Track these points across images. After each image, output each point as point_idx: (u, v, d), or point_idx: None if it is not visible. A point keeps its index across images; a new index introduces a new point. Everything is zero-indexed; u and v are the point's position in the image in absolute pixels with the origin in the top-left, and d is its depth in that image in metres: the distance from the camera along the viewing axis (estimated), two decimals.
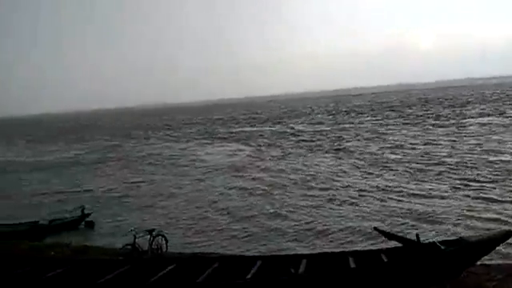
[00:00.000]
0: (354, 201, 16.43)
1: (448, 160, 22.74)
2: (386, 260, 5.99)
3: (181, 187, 21.99)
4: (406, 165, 22.42)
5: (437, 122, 43.36)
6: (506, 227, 11.21)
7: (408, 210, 14.69)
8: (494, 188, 16.42)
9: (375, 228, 6.84)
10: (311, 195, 17.91)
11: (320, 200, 16.99)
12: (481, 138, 29.66)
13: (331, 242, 12.42)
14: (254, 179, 22.44)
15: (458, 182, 17.90)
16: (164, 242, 10.33)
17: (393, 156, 25.69)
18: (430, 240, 6.64)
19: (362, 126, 46.66)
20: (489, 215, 13.46)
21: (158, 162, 32.04)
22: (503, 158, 21.77)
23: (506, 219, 12.87)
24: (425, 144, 29.22)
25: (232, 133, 51.66)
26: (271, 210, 16.13)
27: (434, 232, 12.15)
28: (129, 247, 9.78)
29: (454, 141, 29.41)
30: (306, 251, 10.84)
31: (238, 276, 6.03)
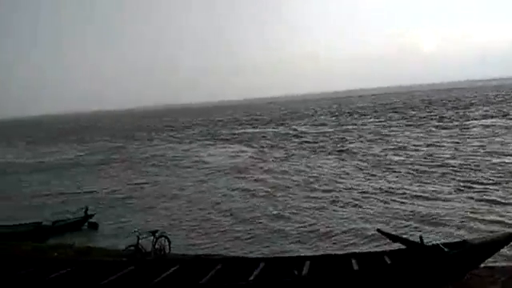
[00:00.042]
0: (357, 203, 16.40)
1: (451, 162, 22.67)
2: (389, 262, 5.98)
3: (184, 188, 22.01)
4: (410, 166, 22.37)
5: (440, 123, 43.26)
6: (510, 230, 11.18)
7: (411, 212, 14.64)
8: (498, 190, 16.36)
9: (378, 230, 6.83)
10: (314, 197, 17.89)
11: (323, 202, 16.97)
12: (484, 139, 29.55)
13: (334, 243, 12.40)
14: (256, 181, 22.44)
15: (461, 184, 17.84)
16: (167, 243, 10.35)
17: (396, 158, 25.65)
18: (434, 242, 6.63)
19: (364, 127, 46.60)
20: (492, 217, 13.40)
21: (161, 164, 32.08)
22: (506, 160, 21.67)
23: (509, 222, 12.80)
24: (428, 146, 29.15)
25: (234, 134, 51.69)
26: (274, 212, 16.11)
27: (437, 234, 12.11)
28: (132, 248, 9.81)
29: (458, 142, 29.32)
30: (309, 253, 10.83)
31: (240, 278, 6.04)
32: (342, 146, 32.47)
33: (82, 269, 6.80)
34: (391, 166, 22.97)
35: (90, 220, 16.35)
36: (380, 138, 35.41)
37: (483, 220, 13.21)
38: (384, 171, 21.91)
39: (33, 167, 35.30)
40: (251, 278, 5.86)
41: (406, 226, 13.18)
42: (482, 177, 18.68)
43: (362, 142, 34.53)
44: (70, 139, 64.73)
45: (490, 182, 17.70)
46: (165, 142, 48.89)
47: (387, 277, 5.62)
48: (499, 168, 20.04)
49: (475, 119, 44.09)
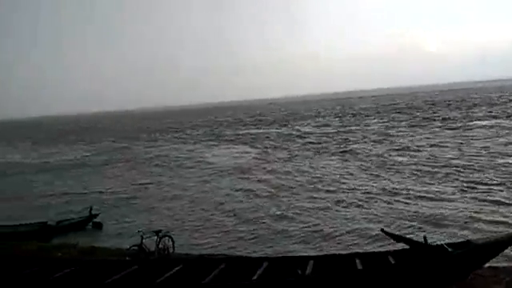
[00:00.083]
0: (360, 203, 16.38)
1: (455, 162, 22.61)
2: (393, 262, 5.97)
3: (187, 189, 22.05)
4: (413, 167, 22.32)
5: (443, 124, 43.17)
6: None
7: (415, 212, 14.62)
8: (502, 191, 16.30)
9: (382, 230, 6.82)
10: (318, 197, 17.89)
11: (327, 202, 16.96)
12: (488, 140, 29.48)
13: (338, 244, 12.38)
14: (260, 181, 22.45)
15: (465, 184, 17.80)
16: (171, 243, 10.38)
17: (400, 158, 25.60)
18: (438, 242, 6.61)
19: (368, 128, 46.53)
20: (496, 218, 13.36)
21: (165, 164, 32.15)
22: (510, 161, 21.60)
23: None
24: (431, 146, 29.09)
25: (238, 135, 51.74)
26: (278, 212, 16.12)
27: (441, 235, 12.07)
28: (136, 248, 9.83)
29: (461, 143, 29.25)
30: (312, 253, 10.82)
31: (244, 277, 6.05)
32: (346, 147, 32.44)
33: (85, 268, 6.83)
34: (395, 167, 22.93)
35: (95, 220, 16.42)
36: (383, 139, 35.34)
37: (487, 220, 13.18)
38: (388, 172, 21.88)
39: (38, 167, 35.44)
40: (255, 277, 5.87)
41: (409, 227, 13.16)
42: (485, 177, 18.62)
43: (365, 142, 34.49)
44: (72, 140, 65.00)
45: (494, 182, 17.64)
46: (169, 143, 48.99)
47: (391, 277, 5.61)
48: (503, 169, 19.97)
49: (479, 120, 43.95)
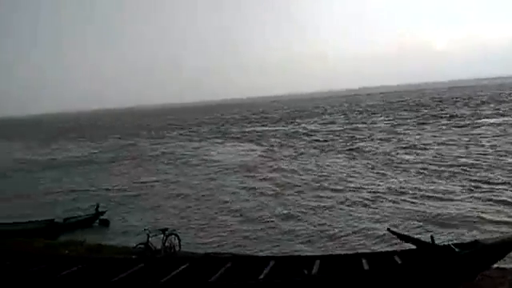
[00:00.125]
0: (367, 202, 16.31)
1: (462, 161, 22.48)
2: (399, 262, 5.94)
3: (193, 187, 22.10)
4: (420, 166, 22.21)
5: (450, 121, 42.92)
6: None
7: (422, 212, 14.53)
8: (510, 190, 16.17)
9: (389, 229, 6.79)
10: (324, 196, 17.84)
11: (333, 201, 16.91)
12: (496, 138, 29.27)
13: (344, 243, 12.33)
14: (266, 179, 22.44)
15: (472, 183, 17.68)
16: (177, 241, 10.42)
17: (407, 156, 25.48)
18: (445, 242, 6.57)
19: (375, 125, 46.36)
20: (504, 218, 13.25)
21: (171, 161, 32.24)
22: None
23: None
24: (439, 144, 28.93)
25: (244, 132, 51.74)
26: (283, 211, 16.10)
27: (448, 235, 12.01)
28: (142, 246, 9.88)
29: (469, 141, 29.07)
30: (318, 253, 10.79)
31: (250, 276, 6.04)
32: (352, 145, 32.35)
33: (92, 266, 6.86)
34: (402, 165, 22.83)
35: (101, 217, 16.52)
36: (390, 137, 35.21)
37: (495, 221, 13.08)
38: (394, 170, 21.78)
39: (45, 164, 35.68)
40: (261, 276, 5.86)
41: (416, 227, 13.07)
42: (493, 176, 18.48)
43: (372, 140, 34.37)
44: (74, 137, 65.42)
45: (502, 181, 17.50)
46: (174, 140, 49.13)
47: (398, 277, 5.58)
48: (511, 168, 19.80)
49: (486, 117, 43.65)
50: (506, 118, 41.17)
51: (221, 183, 22.54)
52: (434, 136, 33.52)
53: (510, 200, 14.97)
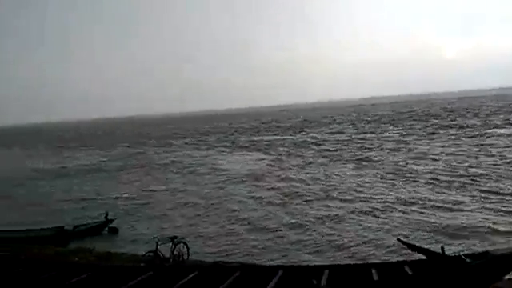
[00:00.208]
0: (376, 212, 16.21)
1: (472, 171, 22.29)
2: (410, 273, 5.89)
3: (202, 195, 22.13)
4: (430, 176, 22.06)
5: (460, 132, 42.63)
6: None
7: (432, 222, 14.41)
8: None
9: (399, 239, 6.74)
10: (332, 206, 17.77)
11: (342, 211, 16.83)
12: (506, 148, 29.02)
13: (354, 253, 12.27)
14: (274, 188, 22.42)
15: (482, 194, 17.52)
16: (186, 249, 10.42)
17: (416, 166, 25.32)
18: (455, 253, 6.51)
19: (384, 135, 46.21)
20: None
21: (179, 170, 32.34)
22: None
23: None
24: (448, 154, 28.72)
25: (252, 141, 51.79)
26: (292, 221, 16.06)
27: (458, 246, 11.88)
28: (151, 254, 9.91)
29: (479, 151, 28.85)
30: (327, 263, 10.72)
31: (258, 286, 6.02)
32: (361, 155, 32.23)
33: (101, 274, 6.89)
34: (411, 175, 22.69)
35: (111, 225, 16.62)
36: (400, 147, 35.04)
37: (505, 231, 12.95)
38: (404, 180, 21.66)
39: (55, 173, 35.91)
40: (269, 286, 5.84)
41: (427, 238, 12.95)
42: (503, 187, 18.31)
43: (381, 150, 34.24)
44: (77, 146, 65.99)
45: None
46: (182, 149, 49.30)
47: None
48: None
49: (496, 128, 43.32)
50: None
51: (229, 192, 22.55)
52: (444, 146, 33.30)
53: None
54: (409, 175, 22.83)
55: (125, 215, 18.69)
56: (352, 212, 16.57)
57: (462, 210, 15.57)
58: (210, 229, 15.89)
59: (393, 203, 17.30)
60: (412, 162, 27.23)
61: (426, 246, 7.59)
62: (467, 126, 47.69)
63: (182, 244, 10.39)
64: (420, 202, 17.17)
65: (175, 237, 10.38)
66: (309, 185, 22.64)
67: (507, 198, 16.49)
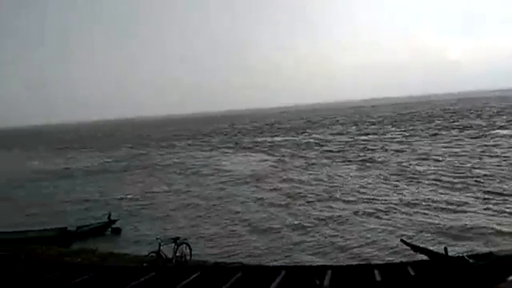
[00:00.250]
0: (379, 214, 16.15)
1: (476, 172, 22.21)
2: (412, 273, 5.87)
3: (204, 196, 22.14)
4: (433, 177, 21.99)
5: (463, 133, 42.51)
6: None
7: (435, 223, 14.36)
8: None
9: (402, 240, 6.73)
10: (335, 207, 17.73)
11: (345, 212, 16.79)
12: (511, 149, 28.92)
13: (357, 254, 12.22)
14: (276, 190, 22.40)
15: (485, 195, 17.44)
16: (188, 250, 10.41)
17: (419, 167, 25.25)
18: (459, 254, 6.49)
19: (386, 136, 46.13)
20: None
21: (182, 171, 32.37)
22: None
23: None
24: (451, 155, 28.64)
25: (256, 142, 51.79)
26: (294, 222, 16.02)
27: (462, 247, 11.83)
28: (154, 255, 9.90)
29: (482, 152, 28.75)
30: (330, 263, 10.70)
31: (261, 286, 6.02)
32: (364, 156, 32.17)
33: (104, 274, 6.91)
34: (415, 176, 22.62)
35: (113, 226, 16.64)
36: (403, 148, 34.97)
37: (509, 232, 12.87)
38: (407, 181, 21.60)
39: (59, 174, 36.00)
40: (272, 286, 5.84)
41: (430, 239, 12.89)
42: (507, 188, 18.23)
43: (384, 151, 34.17)
44: (84, 147, 66.15)
45: None
46: (185, 150, 49.36)
47: None
48: None
49: (500, 129, 43.17)
50: None
51: (232, 193, 22.55)
52: (447, 147, 33.21)
53: None
54: (412, 176, 22.77)
55: (128, 216, 18.71)
56: (355, 213, 16.53)
57: (465, 211, 15.51)
58: (212, 230, 15.89)
59: (396, 204, 17.25)
60: (415, 162, 27.16)
61: (429, 248, 7.59)
62: (470, 127, 47.56)
63: (184, 245, 10.38)
64: (423, 203, 17.12)
65: (178, 238, 10.37)
66: (312, 186, 22.61)
67: (511, 199, 16.41)
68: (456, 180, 20.72)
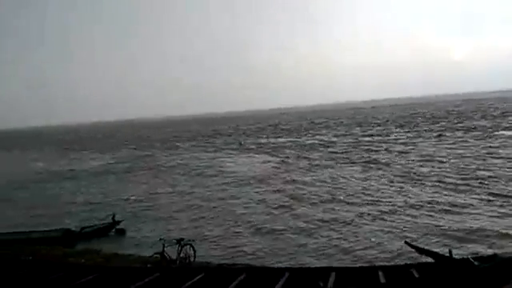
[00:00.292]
0: (383, 216, 16.10)
1: (480, 174, 22.11)
2: (417, 275, 5.86)
3: (208, 198, 22.15)
4: (437, 178, 21.91)
5: (468, 134, 42.34)
6: None
7: (439, 225, 14.31)
8: None
9: (406, 242, 6.72)
10: (339, 209, 17.68)
11: (348, 214, 16.73)
12: None
13: (361, 257, 12.18)
14: (280, 191, 22.37)
15: (490, 197, 17.37)
16: (192, 251, 10.43)
17: (424, 169, 25.17)
18: (463, 256, 6.47)
19: (390, 138, 46.00)
20: None
21: (186, 173, 32.41)
22: None
23: None
24: (456, 157, 28.52)
25: (259, 143, 51.77)
26: (298, 224, 16.00)
27: (467, 249, 11.77)
28: (158, 256, 9.93)
29: (487, 154, 28.61)
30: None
31: (265, 287, 6.02)
32: (369, 157, 32.09)
33: (109, 275, 6.93)
34: (419, 178, 22.55)
35: (118, 227, 16.69)
36: (407, 149, 34.86)
37: None
38: (411, 183, 21.53)
39: (63, 175, 36.12)
40: None
41: (434, 242, 12.83)
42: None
43: (388, 152, 34.08)
44: (88, 148, 66.29)
45: None
46: (189, 152, 49.39)
47: None
48: None
49: (505, 130, 42.97)
50: None
51: (236, 194, 22.56)
52: (451, 148, 33.09)
53: None
54: (416, 178, 22.70)
55: (132, 217, 18.75)
56: (359, 215, 16.47)
57: (469, 213, 15.44)
58: (216, 231, 15.90)
59: (400, 206, 17.19)
60: (419, 164, 27.07)
61: (433, 250, 7.56)
62: (475, 128, 47.37)
63: (188, 246, 10.41)
64: (428, 205, 17.05)
65: (182, 239, 10.40)
66: (315, 187, 22.57)
67: None
68: (460, 182, 20.64)
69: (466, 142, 36.53)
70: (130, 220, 17.93)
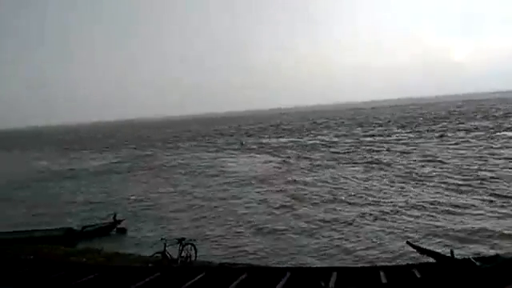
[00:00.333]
0: (385, 216, 16.08)
1: (482, 174, 22.07)
2: (418, 276, 5.84)
3: (210, 198, 22.17)
4: (439, 179, 21.89)
5: (469, 134, 42.28)
6: None
7: (441, 226, 14.29)
8: None
9: (408, 242, 6.70)
10: (340, 210, 17.67)
11: (350, 215, 16.72)
12: None
13: (363, 257, 12.17)
14: (281, 191, 22.37)
15: (492, 197, 17.35)
16: (193, 251, 10.44)
17: (425, 170, 25.14)
18: (465, 256, 6.45)
19: (392, 138, 45.97)
20: None
21: (187, 172, 32.42)
22: None
23: None
24: (458, 157, 28.48)
25: (261, 143, 51.78)
26: (299, 224, 16.00)
27: (469, 250, 11.75)
28: (159, 255, 9.93)
29: (489, 154, 28.57)
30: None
31: (266, 287, 6.01)
32: (370, 157, 32.07)
33: (109, 274, 6.93)
34: (420, 178, 22.53)
35: (119, 226, 16.72)
36: (409, 150, 34.83)
37: None
38: (413, 183, 21.50)
39: (64, 174, 36.22)
40: (277, 287, 5.83)
41: (436, 242, 12.81)
42: None
43: (389, 153, 34.04)
44: (89, 148, 66.43)
45: None
46: (190, 151, 49.43)
47: None
48: None
49: (506, 130, 42.90)
50: None
51: (237, 194, 22.56)
52: (453, 149, 33.04)
53: None
54: (418, 178, 22.68)
55: (133, 216, 18.77)
56: (360, 215, 16.47)
57: (471, 214, 15.42)
58: (217, 231, 15.91)
59: (402, 207, 17.17)
60: (421, 164, 27.05)
61: (435, 250, 7.54)
62: (476, 129, 47.30)
63: (189, 245, 10.41)
64: (429, 205, 17.03)
65: (183, 238, 10.40)
66: (317, 187, 22.57)
67: None
68: (462, 182, 20.62)
69: (468, 142, 36.47)
70: (131, 219, 17.95)
